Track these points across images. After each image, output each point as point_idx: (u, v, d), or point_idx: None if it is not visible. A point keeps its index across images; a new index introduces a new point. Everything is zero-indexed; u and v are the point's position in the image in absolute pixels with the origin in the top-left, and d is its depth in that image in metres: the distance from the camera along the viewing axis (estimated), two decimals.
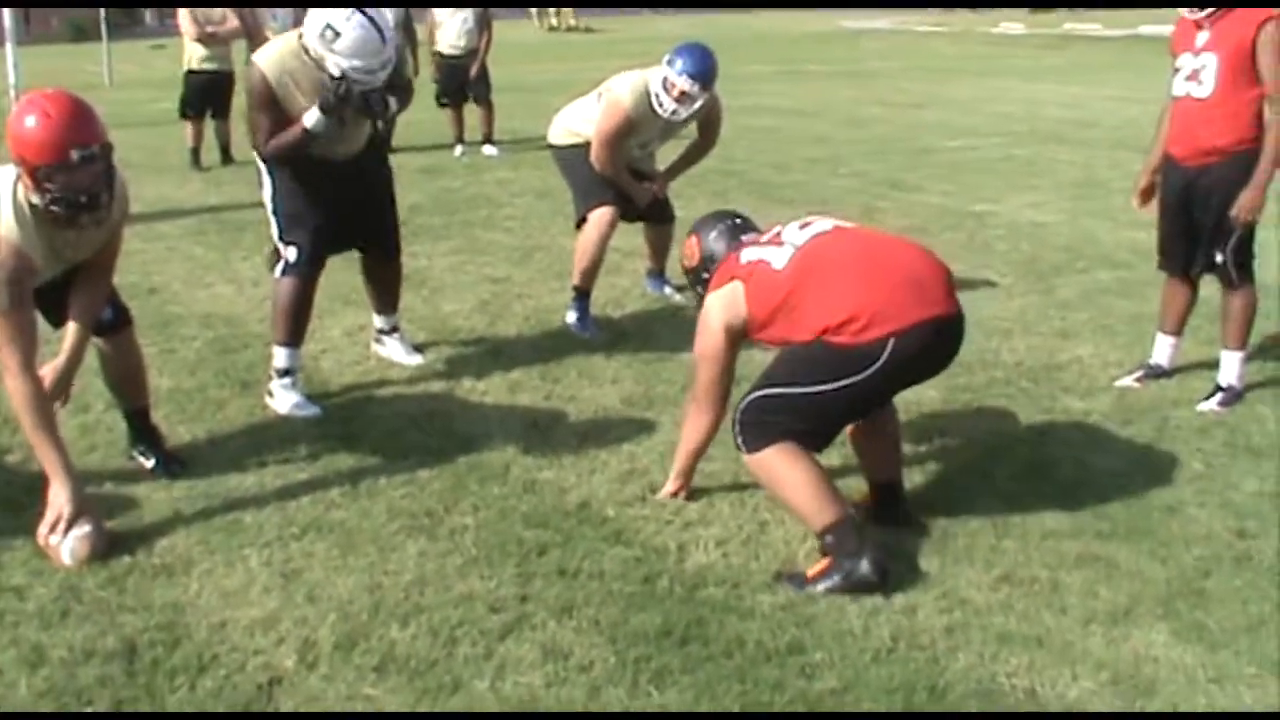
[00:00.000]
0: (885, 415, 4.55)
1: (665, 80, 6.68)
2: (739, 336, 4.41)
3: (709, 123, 7.25)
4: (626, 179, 7.06)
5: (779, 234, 4.40)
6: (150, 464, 5.00)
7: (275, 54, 5.51)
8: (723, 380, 4.47)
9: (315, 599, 3.96)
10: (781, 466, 4.14)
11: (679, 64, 6.64)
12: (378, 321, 6.47)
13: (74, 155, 4.09)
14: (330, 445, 5.24)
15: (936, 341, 4.19)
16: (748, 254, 4.40)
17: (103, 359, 4.96)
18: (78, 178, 4.13)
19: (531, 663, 3.61)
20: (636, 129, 6.85)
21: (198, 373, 6.20)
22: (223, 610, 3.89)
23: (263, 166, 5.72)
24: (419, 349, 6.51)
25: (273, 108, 5.46)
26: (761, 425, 4.17)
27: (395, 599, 3.96)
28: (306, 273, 5.74)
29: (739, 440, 4.23)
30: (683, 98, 6.67)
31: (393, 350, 6.44)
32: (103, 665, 3.59)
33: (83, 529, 4.21)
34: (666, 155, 7.52)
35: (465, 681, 3.52)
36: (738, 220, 4.77)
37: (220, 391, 5.92)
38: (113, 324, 4.84)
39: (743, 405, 4.24)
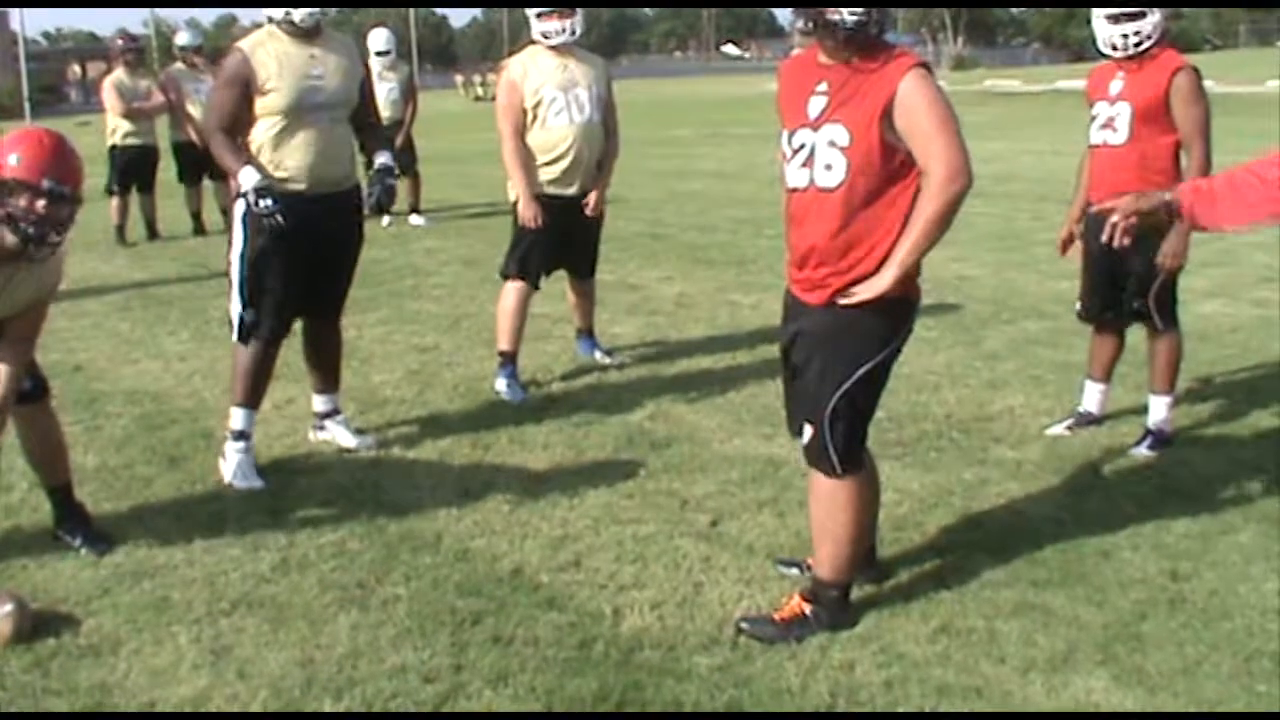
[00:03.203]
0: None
1: (534, 19, 6.85)
2: None
3: (611, 104, 7.11)
4: (528, 179, 6.83)
5: None
6: (76, 542, 4.89)
7: (253, 35, 5.61)
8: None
9: (246, 676, 3.88)
10: (857, 506, 4.09)
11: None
12: (319, 404, 6.24)
13: (45, 184, 4.14)
14: (260, 519, 5.16)
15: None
16: None
17: (22, 433, 4.87)
18: (38, 206, 4.16)
19: None
20: (525, 87, 6.79)
21: (124, 449, 6.11)
22: (151, 690, 3.81)
23: (238, 224, 5.57)
24: (361, 431, 6.29)
25: (235, 87, 5.46)
26: (851, 433, 4.03)
27: (328, 673, 3.89)
28: (269, 340, 5.67)
29: (834, 458, 4.04)
30: (552, 16, 6.78)
31: (336, 433, 6.19)
32: None
33: (5, 609, 4.11)
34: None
35: None
36: None
37: (147, 468, 5.83)
38: (32, 393, 4.76)
39: (828, 418, 3.99)
